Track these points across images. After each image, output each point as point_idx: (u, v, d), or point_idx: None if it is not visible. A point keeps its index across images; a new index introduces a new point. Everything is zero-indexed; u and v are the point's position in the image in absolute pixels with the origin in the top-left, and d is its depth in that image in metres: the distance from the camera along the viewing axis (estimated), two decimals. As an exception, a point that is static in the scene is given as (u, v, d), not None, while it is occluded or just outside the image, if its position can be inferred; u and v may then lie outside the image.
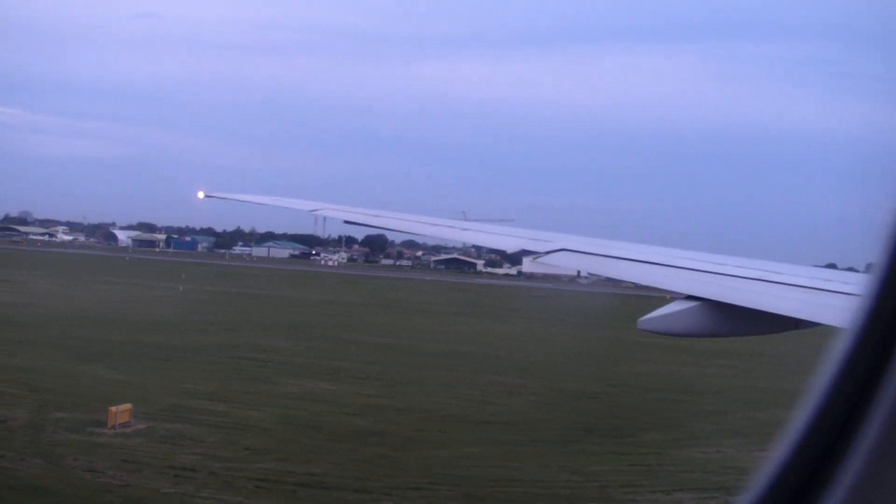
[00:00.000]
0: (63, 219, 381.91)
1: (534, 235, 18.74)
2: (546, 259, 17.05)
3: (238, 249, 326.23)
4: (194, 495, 34.67)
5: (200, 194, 28.35)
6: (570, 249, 16.92)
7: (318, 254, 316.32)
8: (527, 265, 19.92)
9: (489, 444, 45.43)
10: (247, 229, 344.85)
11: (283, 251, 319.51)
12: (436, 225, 22.05)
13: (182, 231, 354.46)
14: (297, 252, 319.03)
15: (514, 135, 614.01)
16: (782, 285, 13.43)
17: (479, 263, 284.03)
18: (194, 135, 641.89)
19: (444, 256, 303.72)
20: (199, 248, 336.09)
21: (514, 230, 20.58)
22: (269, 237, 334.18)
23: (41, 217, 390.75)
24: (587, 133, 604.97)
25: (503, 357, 78.16)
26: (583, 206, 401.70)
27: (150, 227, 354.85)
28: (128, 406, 45.54)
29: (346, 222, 23.21)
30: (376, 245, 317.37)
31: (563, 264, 18.22)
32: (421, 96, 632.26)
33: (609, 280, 37.09)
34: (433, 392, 59.66)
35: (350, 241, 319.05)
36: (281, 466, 39.09)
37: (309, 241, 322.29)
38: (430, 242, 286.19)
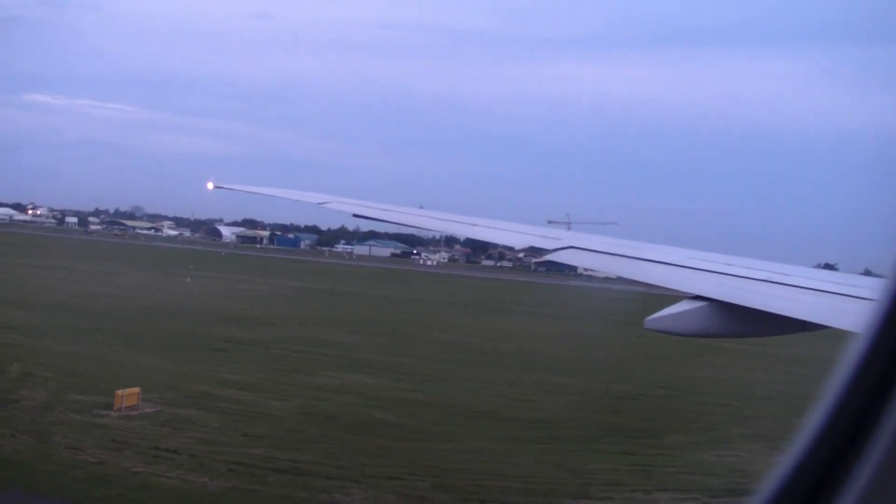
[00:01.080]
0: (172, 214, 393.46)
1: (543, 232, 19.14)
2: (553, 256, 17.47)
3: (340, 247, 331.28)
4: (161, 475, 36.23)
5: (210, 185, 28.63)
6: (577, 247, 17.24)
7: (418, 253, 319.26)
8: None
9: (502, 440, 46.04)
10: (351, 228, 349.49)
11: (384, 250, 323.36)
12: (444, 220, 22.46)
13: (286, 228, 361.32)
14: (398, 251, 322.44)
15: (622, 136, 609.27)
16: (790, 287, 13.58)
17: (580, 267, 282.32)
18: (310, 134, 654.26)
19: (544, 258, 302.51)
20: (302, 245, 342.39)
21: (523, 227, 20.76)
22: (371, 236, 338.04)
23: (151, 212, 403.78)
24: (699, 136, 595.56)
25: (564, 357, 78.46)
26: (693, 210, 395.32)
27: (254, 224, 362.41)
28: (136, 390, 47.58)
29: (355, 216, 23.48)
30: (477, 245, 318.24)
31: (571, 262, 18.44)
32: (532, 97, 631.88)
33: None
34: (474, 389, 60.39)
35: (452, 240, 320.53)
36: (268, 452, 40.36)
37: (411, 240, 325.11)
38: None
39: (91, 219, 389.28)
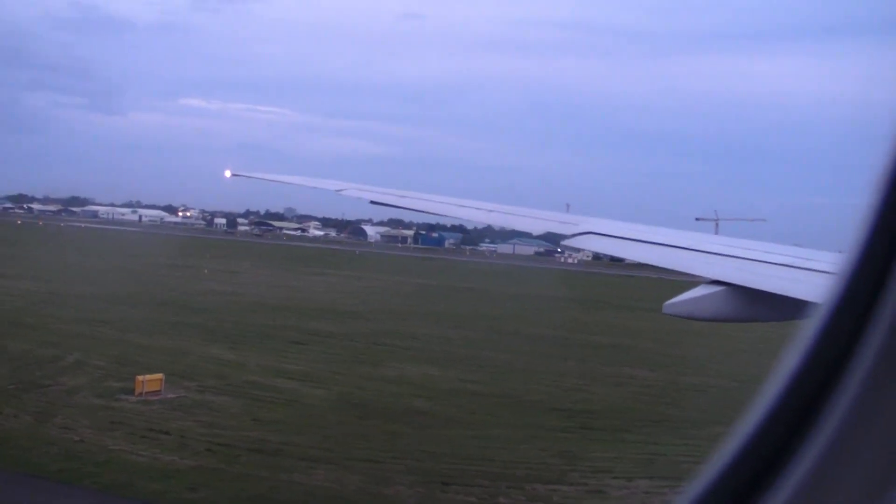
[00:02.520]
0: (321, 215, 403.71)
1: (561, 218, 19.67)
2: (572, 242, 17.90)
3: (483, 246, 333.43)
4: (134, 453, 38.64)
5: (227, 173, 29.43)
6: (595, 233, 17.56)
7: (561, 251, 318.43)
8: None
9: (525, 427, 46.86)
10: (496, 227, 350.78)
11: (528, 248, 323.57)
12: (462, 206, 22.95)
13: (431, 228, 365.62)
14: (541, 249, 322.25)
15: (775, 131, 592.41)
16: (810, 271, 13.65)
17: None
18: (463, 134, 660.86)
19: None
20: (446, 244, 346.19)
21: (538, 212, 21.43)
22: (515, 234, 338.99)
23: (303, 213, 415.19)
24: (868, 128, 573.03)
25: (657, 351, 78.12)
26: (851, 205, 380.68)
27: (400, 224, 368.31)
28: (159, 376, 50.36)
29: (373, 202, 23.67)
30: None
31: (590, 247, 19.38)
32: (682, 92, 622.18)
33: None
34: (538, 381, 60.99)
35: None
36: (263, 436, 42.30)
37: (555, 239, 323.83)
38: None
39: (240, 220, 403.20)
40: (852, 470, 3.05)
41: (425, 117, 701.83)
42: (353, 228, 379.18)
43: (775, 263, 14.29)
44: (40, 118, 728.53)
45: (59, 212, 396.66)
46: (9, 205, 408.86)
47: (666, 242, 16.63)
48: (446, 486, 37.03)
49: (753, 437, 3.27)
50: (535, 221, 20.14)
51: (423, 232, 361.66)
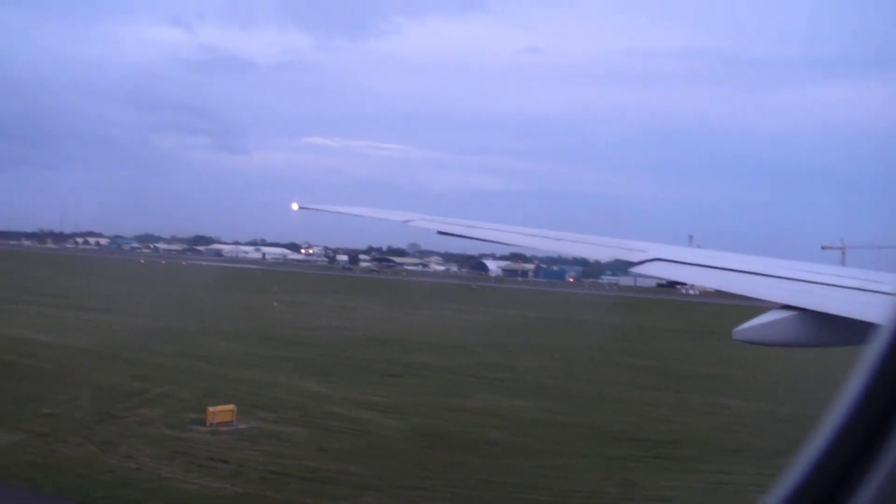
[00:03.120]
0: (443, 251, 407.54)
1: (627, 245, 19.45)
2: (640, 269, 17.73)
3: (605, 279, 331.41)
4: (186, 480, 39.91)
5: (294, 206, 29.12)
6: (663, 259, 17.53)
7: (683, 284, 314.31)
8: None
9: (596, 457, 47.04)
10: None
11: (650, 281, 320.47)
12: (530, 235, 22.56)
13: (553, 261, 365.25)
14: (664, 281, 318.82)
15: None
16: (879, 294, 13.62)
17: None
18: (581, 165, 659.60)
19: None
20: (567, 277, 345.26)
21: (607, 240, 20.83)
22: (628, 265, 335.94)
23: (426, 248, 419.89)
24: None
25: (760, 381, 76.84)
26: None
27: (521, 258, 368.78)
28: (230, 407, 51.94)
29: (440, 233, 23.11)
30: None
31: (657, 274, 19.01)
32: (802, 120, 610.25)
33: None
34: (627, 411, 60.92)
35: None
36: (321, 465, 43.36)
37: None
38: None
39: (362, 256, 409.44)
40: None
41: (547, 150, 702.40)
42: (474, 263, 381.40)
43: (846, 287, 14.34)
44: (168, 159, 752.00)
45: (184, 251, 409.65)
46: (136, 244, 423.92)
47: (734, 267, 16.66)
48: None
49: (832, 444, 3.42)
50: (604, 249, 19.55)
51: (545, 265, 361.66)
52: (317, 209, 30.38)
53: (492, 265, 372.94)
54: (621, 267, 24.94)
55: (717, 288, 17.30)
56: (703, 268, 16.97)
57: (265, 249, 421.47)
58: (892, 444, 3.21)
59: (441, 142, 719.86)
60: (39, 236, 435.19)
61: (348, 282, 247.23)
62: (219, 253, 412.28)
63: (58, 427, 48.33)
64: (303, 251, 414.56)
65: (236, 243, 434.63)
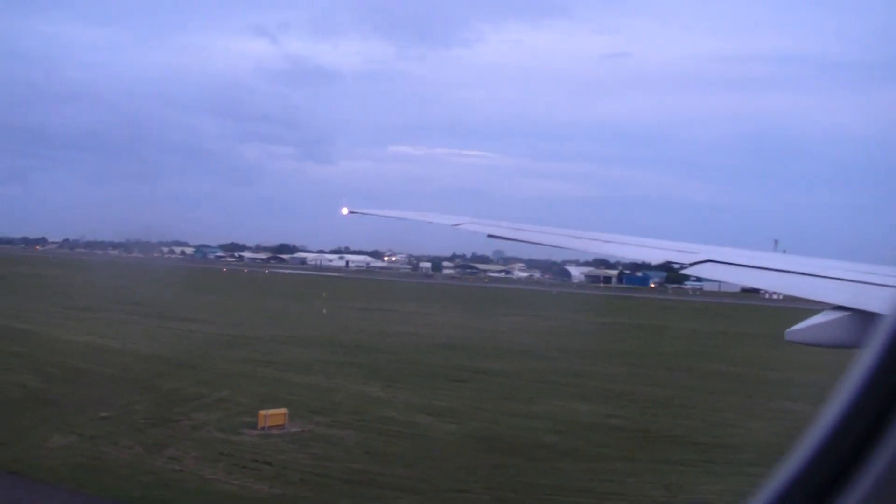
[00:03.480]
0: (527, 257, 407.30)
1: (678, 247, 19.68)
2: (691, 270, 17.98)
3: (689, 284, 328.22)
4: (227, 482, 40.55)
5: (344, 210, 29.15)
6: (715, 261, 17.61)
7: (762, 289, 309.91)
8: None
9: (646, 461, 46.71)
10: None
11: (735, 287, 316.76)
12: (578, 238, 22.85)
13: (637, 267, 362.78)
14: (748, 287, 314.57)
15: None
16: None
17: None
18: (665, 172, 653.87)
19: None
20: (650, 283, 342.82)
21: (656, 242, 21.23)
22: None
23: (510, 255, 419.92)
24: None
25: (831, 386, 75.47)
26: None
27: (604, 264, 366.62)
28: (283, 411, 52.59)
29: (490, 236, 23.54)
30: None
31: (709, 276, 18.97)
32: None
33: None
34: (690, 416, 60.48)
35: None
36: (365, 467, 43.72)
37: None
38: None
39: (446, 264, 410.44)
40: None
41: (632, 157, 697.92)
42: (557, 269, 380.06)
43: None
44: (254, 169, 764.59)
45: (268, 259, 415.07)
46: (220, 253, 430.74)
47: (786, 269, 16.64)
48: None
49: (827, 441, 3.43)
50: (653, 251, 19.85)
51: (628, 271, 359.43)
52: (365, 213, 30.53)
53: (574, 271, 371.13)
54: (671, 269, 24.56)
55: (767, 288, 17.23)
56: (754, 269, 16.87)
57: (349, 257, 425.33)
58: (883, 446, 3.22)
59: (525, 149, 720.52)
60: (126, 246, 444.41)
61: (428, 289, 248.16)
62: (303, 261, 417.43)
63: (111, 430, 49.36)
64: (385, 259, 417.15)
65: (320, 252, 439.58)
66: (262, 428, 50.38)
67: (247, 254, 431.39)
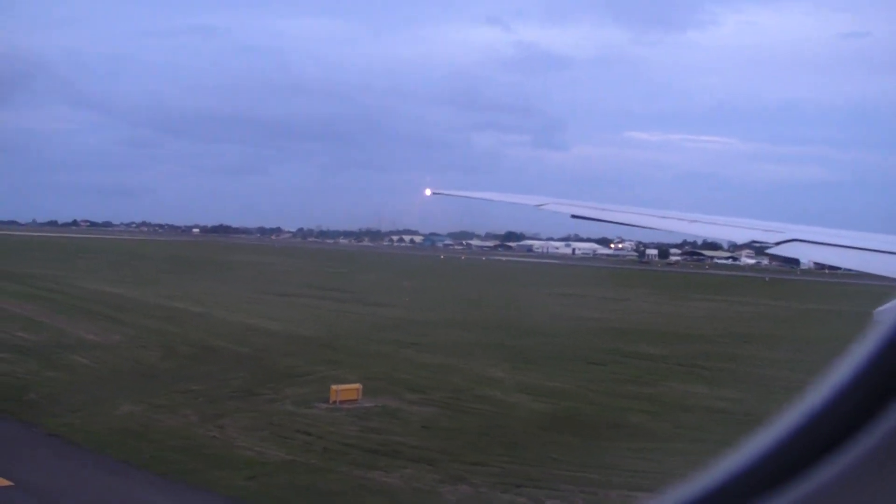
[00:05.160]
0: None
1: (764, 226, 19.79)
2: (776, 250, 18.09)
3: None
4: (252, 449, 41.34)
5: (427, 191, 30.15)
6: (801, 240, 17.68)
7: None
8: None
9: (720, 444, 43.43)
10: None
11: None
12: (664, 217, 23.21)
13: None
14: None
15: None
16: None
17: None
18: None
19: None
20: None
21: (742, 221, 21.29)
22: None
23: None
24: None
25: None
26: None
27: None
28: (356, 385, 53.21)
29: (574, 216, 24.00)
30: None
31: (794, 255, 19.60)
32: None
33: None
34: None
35: None
36: (406, 440, 43.74)
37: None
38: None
39: (673, 250, 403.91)
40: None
41: (877, 139, 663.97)
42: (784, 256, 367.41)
43: None
44: (488, 157, 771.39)
45: (495, 247, 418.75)
46: (449, 241, 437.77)
47: (875, 248, 16.52)
48: (519, 489, 36.79)
49: (800, 430, 3.17)
50: (739, 231, 20.30)
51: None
52: (448, 194, 31.10)
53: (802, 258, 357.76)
54: (757, 248, 23.97)
55: (853, 268, 16.99)
56: (841, 248, 16.88)
57: (575, 244, 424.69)
58: (861, 437, 3.00)
59: (763, 133, 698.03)
60: (357, 235, 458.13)
61: (644, 275, 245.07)
62: (529, 249, 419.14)
63: (185, 401, 50.97)
64: (612, 246, 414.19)
65: (549, 239, 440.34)
66: (334, 402, 51.03)
67: (475, 241, 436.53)
